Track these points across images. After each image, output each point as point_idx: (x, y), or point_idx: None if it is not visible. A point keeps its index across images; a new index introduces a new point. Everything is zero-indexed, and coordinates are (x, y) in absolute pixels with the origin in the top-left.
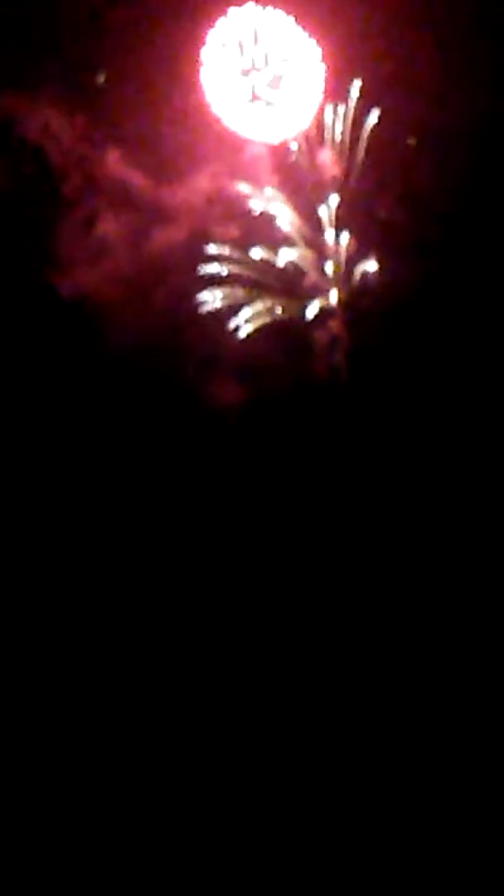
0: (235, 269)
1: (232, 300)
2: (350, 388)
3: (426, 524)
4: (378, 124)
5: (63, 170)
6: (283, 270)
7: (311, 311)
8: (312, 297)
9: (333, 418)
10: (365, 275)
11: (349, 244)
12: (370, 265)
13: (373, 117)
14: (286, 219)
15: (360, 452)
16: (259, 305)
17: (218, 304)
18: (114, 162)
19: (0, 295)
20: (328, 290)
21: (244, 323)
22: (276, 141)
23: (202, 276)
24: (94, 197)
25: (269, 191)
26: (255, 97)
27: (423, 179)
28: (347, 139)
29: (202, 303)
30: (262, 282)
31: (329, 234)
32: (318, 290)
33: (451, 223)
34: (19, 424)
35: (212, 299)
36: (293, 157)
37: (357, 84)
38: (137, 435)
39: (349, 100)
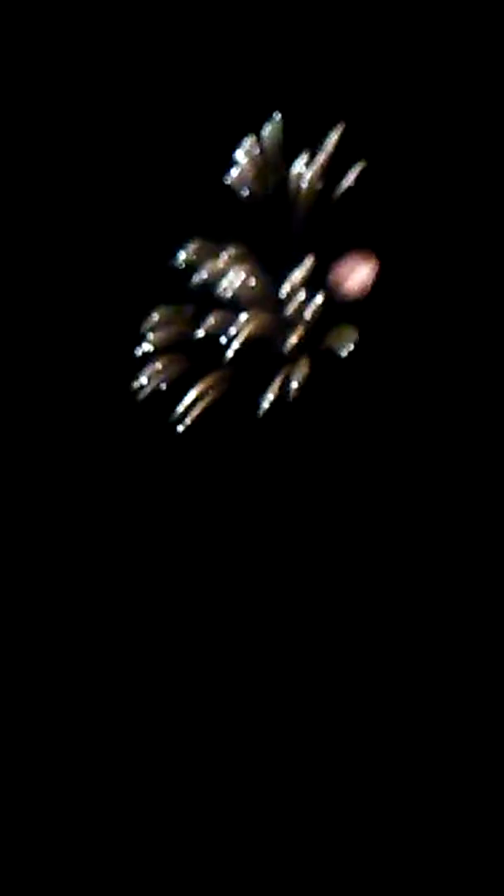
0: (182, 342)
1: (176, 379)
2: (313, 461)
3: None
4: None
5: None
6: (242, 340)
7: (274, 383)
8: (276, 368)
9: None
10: (335, 343)
11: (318, 309)
12: (342, 334)
13: (353, 172)
14: (247, 281)
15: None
16: (210, 381)
17: (156, 386)
18: None
19: None
20: (294, 360)
21: (190, 405)
22: None
23: (139, 356)
24: None
25: (230, 250)
26: None
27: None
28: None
29: (138, 388)
30: (216, 354)
31: (297, 299)
32: (283, 360)
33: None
34: None
35: (150, 381)
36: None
37: (338, 130)
38: None
39: (326, 148)
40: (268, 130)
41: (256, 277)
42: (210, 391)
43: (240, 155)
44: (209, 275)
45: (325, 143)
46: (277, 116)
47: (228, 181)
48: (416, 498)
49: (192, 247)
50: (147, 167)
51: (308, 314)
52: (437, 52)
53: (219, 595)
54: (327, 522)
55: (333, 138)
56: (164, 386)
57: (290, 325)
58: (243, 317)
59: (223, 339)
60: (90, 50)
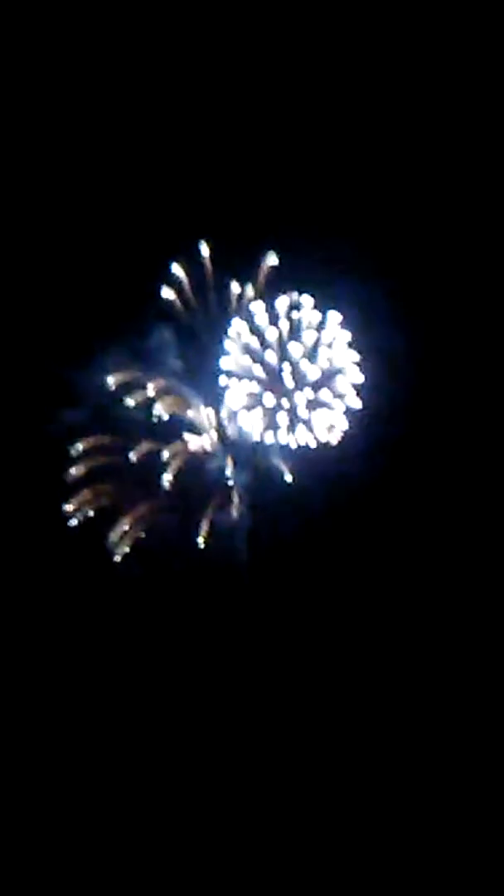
0: (111, 470)
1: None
2: (250, 573)
3: None
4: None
5: None
6: (175, 467)
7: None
8: (210, 494)
9: (233, 603)
10: (269, 464)
11: (254, 433)
12: (274, 459)
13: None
14: (179, 408)
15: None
16: (143, 509)
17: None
18: None
19: None
20: (229, 486)
21: (123, 534)
22: None
23: (68, 481)
24: None
25: (161, 377)
26: None
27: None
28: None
29: (69, 515)
30: (148, 481)
31: (232, 424)
32: (217, 486)
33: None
34: None
35: (79, 510)
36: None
37: (271, 259)
38: None
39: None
40: (201, 253)
41: (189, 404)
42: (144, 518)
43: (174, 274)
44: (139, 403)
45: (259, 269)
46: (204, 244)
47: (164, 300)
48: (359, 622)
49: (121, 375)
50: (78, 290)
51: (248, 437)
52: (357, 179)
53: (148, 721)
54: (266, 646)
55: (266, 264)
56: (92, 514)
57: (225, 449)
58: (176, 445)
59: (159, 465)
60: (24, 170)
